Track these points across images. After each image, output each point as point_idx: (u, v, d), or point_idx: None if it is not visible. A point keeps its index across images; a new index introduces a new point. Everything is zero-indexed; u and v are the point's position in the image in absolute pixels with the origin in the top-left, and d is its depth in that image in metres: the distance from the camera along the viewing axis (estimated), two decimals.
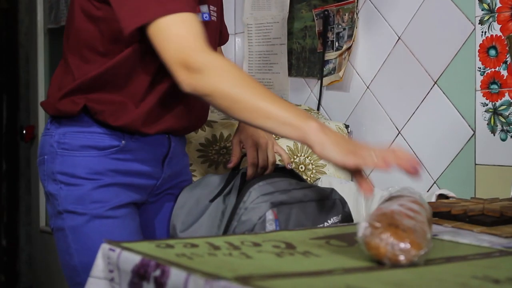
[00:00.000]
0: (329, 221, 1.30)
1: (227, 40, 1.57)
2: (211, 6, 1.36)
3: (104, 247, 0.93)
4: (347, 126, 1.77)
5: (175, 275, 0.79)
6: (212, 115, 1.80)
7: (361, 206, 1.56)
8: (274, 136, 1.50)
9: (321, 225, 1.27)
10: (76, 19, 1.29)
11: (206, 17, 1.34)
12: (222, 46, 1.59)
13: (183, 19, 1.12)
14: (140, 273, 0.85)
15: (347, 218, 1.34)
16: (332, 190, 1.34)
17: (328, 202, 1.32)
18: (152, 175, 1.37)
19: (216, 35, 1.42)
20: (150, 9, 1.12)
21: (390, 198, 0.99)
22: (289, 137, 1.06)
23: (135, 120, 1.29)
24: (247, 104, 1.06)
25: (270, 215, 1.22)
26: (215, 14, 1.38)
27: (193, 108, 1.37)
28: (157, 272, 0.82)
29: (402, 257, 0.82)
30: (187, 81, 1.10)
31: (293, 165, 1.40)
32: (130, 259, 0.88)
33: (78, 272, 1.30)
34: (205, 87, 1.08)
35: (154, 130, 1.32)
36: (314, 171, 1.69)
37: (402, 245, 0.82)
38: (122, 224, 1.31)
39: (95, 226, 1.29)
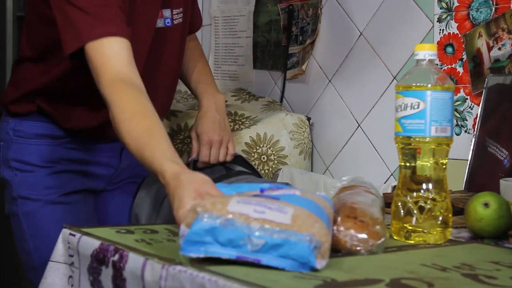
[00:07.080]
0: None
1: (198, 28, 1.57)
2: (174, 10, 1.36)
3: (65, 232, 0.95)
4: (309, 119, 1.80)
5: (133, 260, 0.81)
6: (177, 105, 1.81)
7: None
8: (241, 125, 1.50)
9: None
10: (33, 22, 1.29)
11: (168, 22, 1.35)
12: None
13: (110, 43, 1.14)
14: (99, 258, 0.87)
15: None
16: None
17: None
18: (110, 164, 1.39)
19: (182, 37, 1.42)
20: (81, 34, 1.14)
21: (344, 188, 1.02)
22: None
23: (88, 125, 1.29)
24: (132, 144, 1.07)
25: None
26: (180, 16, 1.38)
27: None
28: (116, 257, 0.84)
29: (360, 247, 0.84)
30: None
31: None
32: (89, 244, 0.89)
33: (33, 257, 1.32)
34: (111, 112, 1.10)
35: (109, 139, 1.34)
36: (276, 161, 1.72)
37: (360, 236, 0.85)
38: (75, 210, 1.34)
39: (48, 212, 1.32)
